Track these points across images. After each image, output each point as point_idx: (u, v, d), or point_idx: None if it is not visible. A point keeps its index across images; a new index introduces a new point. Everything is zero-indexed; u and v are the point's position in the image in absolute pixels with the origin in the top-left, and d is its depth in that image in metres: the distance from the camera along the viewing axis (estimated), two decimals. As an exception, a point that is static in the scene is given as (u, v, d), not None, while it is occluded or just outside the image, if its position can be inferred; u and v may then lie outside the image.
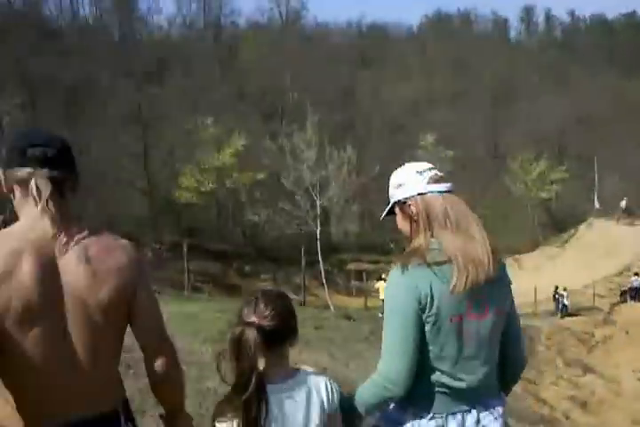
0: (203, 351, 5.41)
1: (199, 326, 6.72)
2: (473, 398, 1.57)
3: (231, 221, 35.41)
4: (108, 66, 38.69)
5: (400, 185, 1.70)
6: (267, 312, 1.46)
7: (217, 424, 1.45)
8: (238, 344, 1.42)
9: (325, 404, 1.50)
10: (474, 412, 1.57)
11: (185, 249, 17.47)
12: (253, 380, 1.40)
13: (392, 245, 27.11)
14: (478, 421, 1.57)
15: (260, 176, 29.36)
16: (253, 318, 1.45)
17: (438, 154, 34.72)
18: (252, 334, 1.41)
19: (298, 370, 1.55)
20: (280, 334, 1.48)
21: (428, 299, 1.48)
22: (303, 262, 20.93)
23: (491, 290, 1.55)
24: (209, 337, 6.12)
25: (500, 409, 1.62)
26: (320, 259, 22.16)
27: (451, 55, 56.38)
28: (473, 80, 52.46)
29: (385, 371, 1.52)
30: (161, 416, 1.58)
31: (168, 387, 1.52)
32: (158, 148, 34.48)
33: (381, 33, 65.30)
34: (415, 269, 1.51)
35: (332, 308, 19.23)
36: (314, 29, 60.56)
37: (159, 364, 1.46)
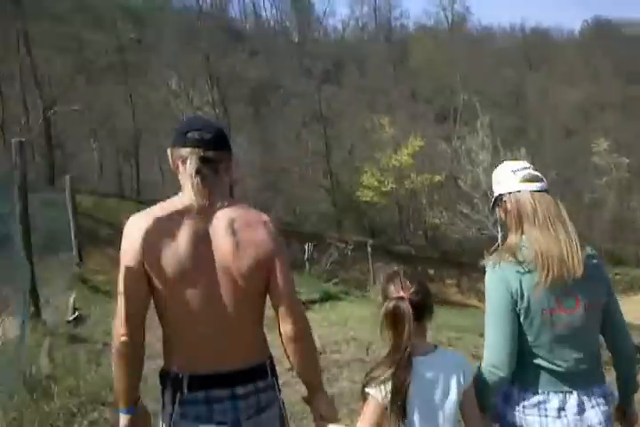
0: None
1: None
2: (573, 382, 1.70)
3: (412, 222, 35.19)
4: (288, 66, 40.93)
5: (498, 182, 1.88)
6: (412, 288, 1.61)
7: (367, 389, 1.60)
8: (393, 317, 1.58)
9: (462, 380, 1.63)
10: (575, 393, 1.69)
11: (369, 249, 17.71)
12: (408, 348, 1.56)
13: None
14: (581, 403, 1.69)
15: (438, 178, 28.72)
16: (402, 293, 1.60)
17: (612, 160, 32.56)
18: (406, 307, 1.57)
19: (437, 346, 1.70)
20: (424, 308, 1.64)
21: (519, 293, 1.65)
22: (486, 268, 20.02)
23: (582, 286, 1.67)
24: None
25: (603, 397, 1.73)
26: (504, 264, 21.13)
27: (617, 59, 52.62)
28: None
29: (488, 357, 1.71)
30: (303, 399, 1.72)
31: (299, 346, 1.61)
32: (339, 146, 35.47)
33: (544, 36, 63.89)
34: (506, 265, 1.68)
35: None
36: (479, 32, 60.21)
37: (291, 322, 1.59)
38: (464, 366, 1.68)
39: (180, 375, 1.56)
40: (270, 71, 40.44)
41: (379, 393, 1.58)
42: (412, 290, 1.61)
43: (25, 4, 26.50)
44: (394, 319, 1.58)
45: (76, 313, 5.76)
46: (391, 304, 1.59)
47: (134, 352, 1.55)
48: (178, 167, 1.62)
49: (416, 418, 1.59)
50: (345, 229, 31.09)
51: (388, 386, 1.56)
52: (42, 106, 26.79)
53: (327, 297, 8.73)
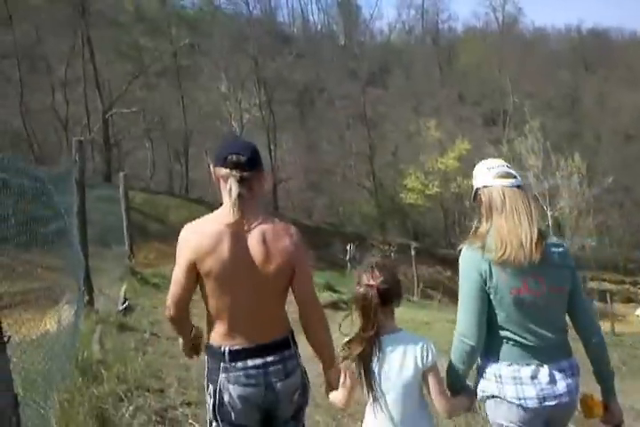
0: (442, 363, 5.02)
1: (431, 335, 6.49)
2: (543, 356, 1.93)
3: (457, 226, 34.52)
4: (334, 68, 41.15)
5: (475, 177, 2.12)
6: (381, 278, 1.91)
7: (344, 362, 1.97)
8: (362, 302, 1.90)
9: (419, 360, 1.90)
10: (545, 366, 1.92)
11: (413, 252, 17.52)
12: (374, 328, 1.88)
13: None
14: (551, 374, 1.92)
15: (485, 183, 28.38)
16: (372, 282, 1.90)
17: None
18: (373, 293, 1.88)
19: (401, 329, 1.98)
20: (390, 296, 1.92)
21: (487, 274, 1.91)
22: (531, 276, 19.48)
23: (546, 271, 1.92)
24: (441, 349, 5.76)
25: (570, 369, 1.96)
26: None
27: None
28: None
29: (459, 329, 1.97)
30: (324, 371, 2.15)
31: (314, 328, 2.07)
32: (383, 148, 35.36)
33: (603, 38, 60.96)
34: (476, 250, 1.95)
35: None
36: (532, 34, 58.10)
37: (309, 311, 2.04)
38: (425, 348, 1.93)
39: (222, 349, 1.97)
40: (316, 74, 40.79)
41: (353, 365, 1.94)
42: (381, 280, 1.90)
43: (91, 14, 28.07)
44: (362, 304, 1.90)
45: (126, 303, 6.01)
46: (361, 290, 1.91)
47: (180, 322, 2.08)
48: (219, 182, 2.01)
49: (381, 387, 1.92)
50: (388, 231, 30.96)
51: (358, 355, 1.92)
52: (102, 108, 28.17)
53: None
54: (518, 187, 2.03)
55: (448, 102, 38.17)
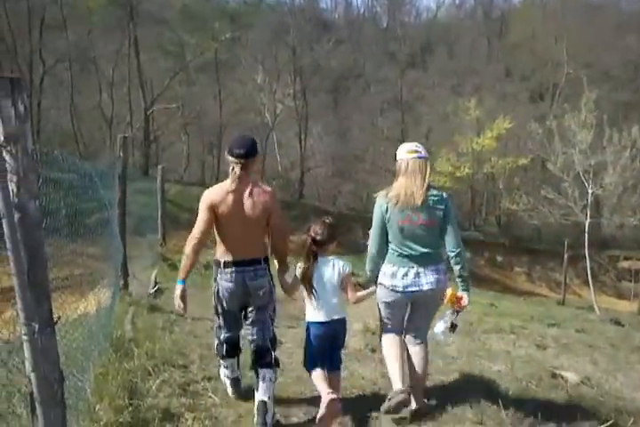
0: (449, 343, 4.99)
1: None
2: (416, 262, 3.10)
3: (485, 208, 34.14)
4: (373, 52, 40.38)
5: (397, 154, 3.23)
6: (319, 231, 3.22)
7: (297, 273, 3.29)
8: (304, 243, 3.25)
9: (340, 270, 3.25)
10: (415, 267, 3.10)
11: None
12: (312, 256, 3.23)
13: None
14: (418, 273, 3.10)
15: (523, 161, 27.35)
16: (312, 234, 3.23)
17: None
18: (309, 240, 3.24)
19: (332, 257, 3.30)
20: (325, 242, 3.23)
21: (385, 210, 3.11)
22: (565, 257, 19.03)
23: (424, 210, 3.07)
24: (459, 329, 5.82)
25: (438, 273, 3.12)
26: (587, 254, 19.84)
27: None
28: None
29: (369, 247, 3.25)
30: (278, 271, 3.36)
31: (280, 250, 3.33)
32: (416, 132, 34.48)
33: None
34: (382, 196, 3.15)
35: (596, 310, 17.15)
36: None
37: (275, 234, 3.26)
38: (344, 265, 3.28)
39: (220, 261, 3.21)
40: (353, 59, 40.19)
41: (303, 274, 3.26)
42: (319, 232, 3.23)
43: (139, 14, 29.01)
44: (304, 245, 3.26)
45: (157, 286, 6.41)
46: (304, 238, 3.28)
47: (197, 250, 3.19)
48: (229, 166, 3.19)
49: (322, 287, 3.24)
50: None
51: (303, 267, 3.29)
52: (144, 105, 28.89)
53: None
54: (420, 158, 3.16)
55: (492, 79, 36.55)
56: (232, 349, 3.40)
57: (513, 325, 6.36)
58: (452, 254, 3.12)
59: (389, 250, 3.17)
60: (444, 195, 3.12)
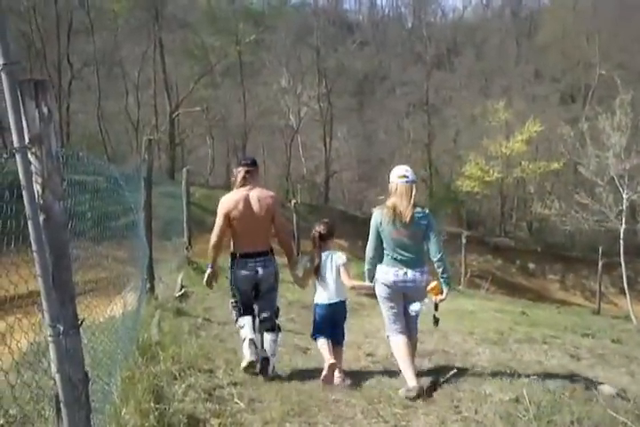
0: (480, 352, 4.97)
1: (475, 324, 6.27)
2: (405, 264, 3.83)
3: (515, 213, 33.51)
4: (399, 54, 40.12)
5: (390, 177, 3.91)
6: (322, 228, 4.20)
7: (307, 265, 4.29)
8: (313, 238, 4.22)
9: (338, 261, 4.13)
10: (404, 269, 3.82)
11: (464, 241, 17.00)
12: (319, 251, 4.19)
13: None
14: (406, 273, 3.81)
15: (555, 166, 26.77)
16: (317, 230, 4.19)
17: None
18: (317, 236, 4.20)
19: (332, 251, 4.22)
20: (326, 237, 4.20)
21: (380, 224, 3.81)
22: (600, 264, 18.54)
23: (411, 224, 3.77)
24: (486, 338, 5.57)
25: (422, 273, 3.85)
26: (622, 261, 19.30)
27: None
28: None
29: (367, 251, 3.93)
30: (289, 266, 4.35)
31: (285, 243, 4.30)
32: (443, 135, 34.23)
33: None
34: (378, 211, 3.85)
35: (633, 320, 16.66)
36: None
37: (280, 231, 4.18)
38: (341, 256, 4.17)
39: (236, 253, 4.07)
40: (379, 61, 39.94)
41: (311, 266, 4.20)
42: (322, 228, 4.19)
43: (164, 17, 29.39)
44: (313, 240, 4.20)
45: (183, 290, 6.43)
46: (312, 233, 4.19)
47: (217, 248, 4.11)
48: (238, 174, 4.16)
49: (324, 275, 4.12)
50: (440, 220, 30.28)
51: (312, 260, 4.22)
52: (169, 109, 29.27)
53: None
54: (407, 182, 3.85)
55: (521, 80, 35.87)
56: (246, 309, 4.13)
57: (545, 334, 6.21)
58: (435, 259, 3.83)
59: (384, 255, 3.91)
60: (426, 211, 3.87)
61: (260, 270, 4.02)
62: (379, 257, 3.91)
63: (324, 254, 4.15)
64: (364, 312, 7.22)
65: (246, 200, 3.99)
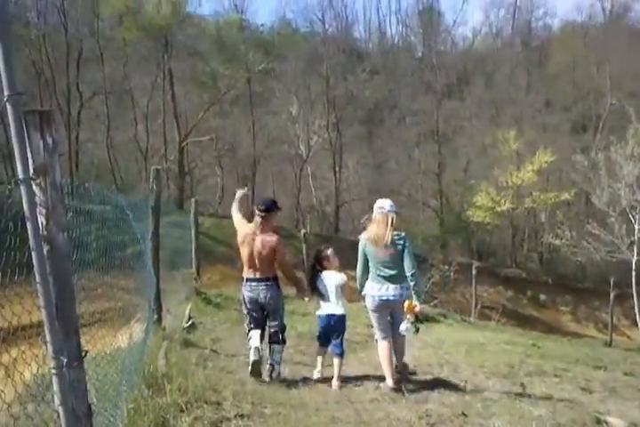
0: (490, 385, 4.90)
1: (485, 357, 6.20)
2: (387, 280, 4.54)
3: (526, 244, 33.23)
4: (409, 82, 40.23)
5: (373, 209, 4.73)
6: (326, 251, 4.96)
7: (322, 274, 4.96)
8: (315, 256, 5.08)
9: (339, 280, 4.82)
10: (387, 284, 4.54)
11: (474, 272, 16.79)
12: (317, 267, 4.98)
13: None
14: (388, 288, 4.52)
15: (566, 196, 26.73)
16: (325, 253, 4.94)
17: None
18: (319, 254, 5.03)
19: (330, 271, 4.89)
20: (330, 258, 4.95)
21: (365, 246, 4.64)
22: (612, 296, 18.24)
23: (390, 246, 4.51)
24: (496, 371, 5.52)
25: (402, 288, 4.53)
26: (634, 293, 19.02)
27: None
28: None
29: (357, 271, 4.74)
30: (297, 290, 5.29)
31: (288, 277, 4.94)
32: (453, 164, 34.24)
33: None
34: (363, 237, 4.68)
35: (646, 352, 16.26)
36: None
37: (282, 267, 4.87)
38: (341, 277, 4.80)
39: (244, 277, 4.84)
40: (388, 90, 40.28)
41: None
42: (326, 253, 4.92)
43: (173, 46, 29.77)
44: (317, 258, 4.99)
45: (191, 321, 6.38)
46: (321, 254, 4.95)
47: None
48: (254, 216, 4.81)
49: (322, 292, 4.80)
50: (450, 251, 30.12)
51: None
52: (178, 138, 29.53)
53: (424, 319, 8.58)
54: (384, 212, 4.61)
55: (532, 110, 35.95)
56: (256, 323, 4.84)
57: (556, 367, 6.12)
58: (409, 275, 4.52)
59: (370, 272, 4.64)
60: (403, 234, 4.59)
61: (262, 294, 4.75)
62: (367, 275, 4.68)
63: (327, 273, 4.86)
64: (374, 343, 7.15)
65: (253, 239, 4.78)
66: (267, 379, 4.69)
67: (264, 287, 4.75)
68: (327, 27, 41.61)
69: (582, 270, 27.74)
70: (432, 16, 46.56)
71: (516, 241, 33.00)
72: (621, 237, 19.16)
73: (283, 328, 4.91)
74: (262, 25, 36.59)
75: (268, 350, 4.85)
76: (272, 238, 4.76)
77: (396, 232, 4.56)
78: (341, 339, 4.78)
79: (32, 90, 26.97)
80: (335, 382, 4.65)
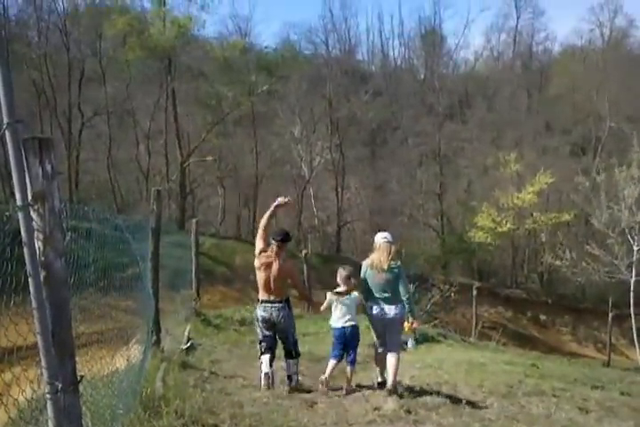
0: (488, 405, 4.89)
1: (485, 377, 6.16)
2: (384, 301, 5.21)
3: (527, 264, 33.16)
4: (411, 104, 40.68)
5: (375, 240, 5.50)
6: (345, 273, 5.34)
7: (329, 295, 5.41)
8: (342, 279, 5.36)
9: (356, 299, 5.33)
10: (385, 305, 5.20)
11: (475, 292, 16.73)
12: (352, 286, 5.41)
13: None
14: (385, 308, 5.19)
15: (566, 217, 26.80)
16: (343, 273, 5.35)
17: None
18: (349, 275, 5.39)
19: (351, 293, 5.37)
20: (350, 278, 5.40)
21: (366, 272, 5.32)
22: (610, 316, 18.23)
23: (388, 271, 5.22)
24: (495, 391, 5.50)
25: (396, 308, 5.18)
26: (632, 313, 19.05)
27: None
28: None
29: (360, 291, 5.37)
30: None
31: (304, 298, 6.03)
32: (455, 185, 34.40)
33: None
34: (366, 263, 5.37)
35: (644, 372, 16.09)
36: None
37: (299, 291, 5.72)
38: (356, 296, 5.27)
39: (259, 298, 5.33)
40: (391, 111, 40.69)
41: (333, 298, 5.31)
42: (345, 274, 5.29)
43: (176, 67, 29.78)
44: (346, 281, 5.32)
45: (189, 343, 6.31)
46: (345, 275, 5.32)
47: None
48: (272, 246, 5.37)
49: (338, 307, 5.27)
50: (452, 271, 29.98)
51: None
52: (180, 159, 29.53)
53: (424, 339, 8.57)
54: (385, 242, 5.27)
55: (532, 132, 36.29)
56: (267, 348, 5.26)
57: (555, 387, 6.10)
58: (404, 299, 5.18)
59: (370, 294, 5.23)
60: (398, 263, 5.28)
61: (274, 313, 5.23)
62: (366, 295, 5.36)
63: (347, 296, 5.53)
64: (373, 365, 7.11)
65: (269, 265, 5.27)
66: (286, 388, 5.20)
67: (277, 308, 5.23)
68: (330, 49, 42.36)
69: (582, 291, 27.73)
70: (434, 39, 47.23)
71: (516, 262, 33.03)
72: (620, 257, 19.30)
73: (295, 343, 5.43)
74: (266, 47, 36.87)
75: (284, 364, 5.39)
76: (287, 265, 5.35)
77: (393, 261, 5.26)
78: (354, 348, 5.27)
79: (32, 109, 27.11)
80: (346, 387, 5.17)
